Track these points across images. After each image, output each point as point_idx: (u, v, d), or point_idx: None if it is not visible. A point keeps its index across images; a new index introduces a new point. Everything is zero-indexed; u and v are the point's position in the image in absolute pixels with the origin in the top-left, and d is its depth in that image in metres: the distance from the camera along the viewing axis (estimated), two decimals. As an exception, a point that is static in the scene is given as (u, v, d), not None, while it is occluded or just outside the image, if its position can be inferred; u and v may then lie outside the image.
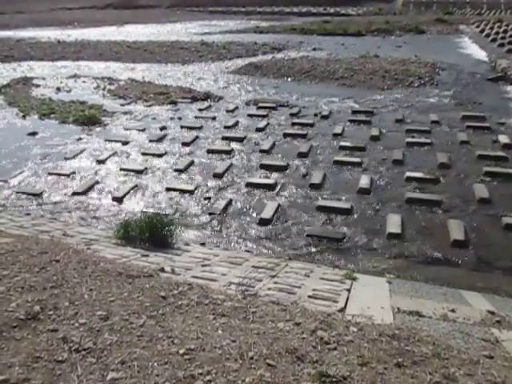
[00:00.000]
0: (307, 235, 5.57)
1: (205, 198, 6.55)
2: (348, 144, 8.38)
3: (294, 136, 8.94)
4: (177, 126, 9.75)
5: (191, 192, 6.75)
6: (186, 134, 9.23)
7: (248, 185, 6.92)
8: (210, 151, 8.28)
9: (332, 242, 5.41)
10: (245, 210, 6.26)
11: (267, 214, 6.02)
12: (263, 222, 5.88)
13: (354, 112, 10.43)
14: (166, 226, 4.91)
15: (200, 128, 9.59)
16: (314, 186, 6.80)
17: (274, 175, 7.24)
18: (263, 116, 10.28)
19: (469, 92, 12.06)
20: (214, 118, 10.25)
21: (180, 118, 10.31)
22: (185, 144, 8.64)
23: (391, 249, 5.26)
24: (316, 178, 7.03)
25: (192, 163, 7.78)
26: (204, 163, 7.81)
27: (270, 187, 6.81)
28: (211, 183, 7.05)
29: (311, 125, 9.57)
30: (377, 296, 3.82)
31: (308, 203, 6.36)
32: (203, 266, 4.31)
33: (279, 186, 6.87)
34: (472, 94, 11.86)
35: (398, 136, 8.80)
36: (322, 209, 6.14)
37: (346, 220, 5.91)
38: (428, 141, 8.42)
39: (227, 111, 10.78)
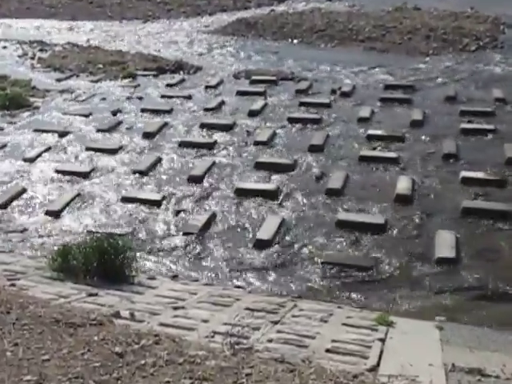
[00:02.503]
0: (323, 263, 5.56)
1: (177, 212, 6.55)
2: (379, 133, 8.41)
3: (304, 122, 8.97)
4: (136, 109, 9.76)
5: (158, 203, 6.74)
6: (149, 121, 9.24)
7: (238, 192, 6.93)
8: (183, 144, 8.29)
9: (358, 272, 5.40)
10: (234, 227, 6.25)
11: (266, 232, 6.02)
12: (261, 245, 5.87)
13: (388, 87, 10.49)
14: (121, 253, 4.90)
15: (169, 112, 9.60)
16: (332, 193, 6.81)
17: (276, 178, 7.25)
18: (259, 94, 10.30)
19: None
20: (189, 98, 10.28)
21: (140, 98, 10.32)
22: (148, 135, 8.65)
23: (442, 280, 5.26)
24: (335, 181, 7.05)
25: (158, 162, 7.78)
26: (175, 162, 7.81)
27: (270, 195, 6.82)
28: (186, 190, 7.04)
29: (327, 105, 9.61)
30: (422, 348, 3.83)
31: (324, 217, 6.36)
32: (175, 308, 4.30)
33: (283, 194, 6.88)
34: (552, 60, 11.97)
35: (450, 120, 8.85)
36: (344, 225, 6.15)
37: (378, 240, 5.91)
38: (491, 127, 8.47)
39: (208, 87, 10.81)
